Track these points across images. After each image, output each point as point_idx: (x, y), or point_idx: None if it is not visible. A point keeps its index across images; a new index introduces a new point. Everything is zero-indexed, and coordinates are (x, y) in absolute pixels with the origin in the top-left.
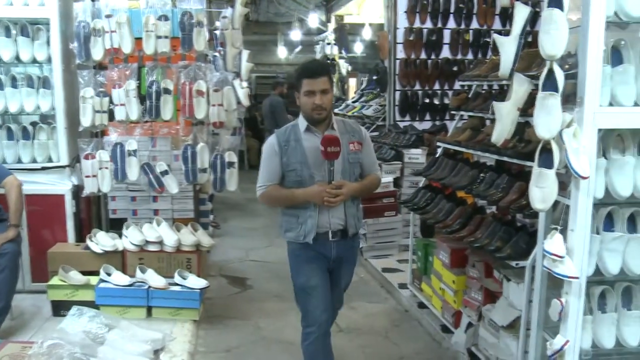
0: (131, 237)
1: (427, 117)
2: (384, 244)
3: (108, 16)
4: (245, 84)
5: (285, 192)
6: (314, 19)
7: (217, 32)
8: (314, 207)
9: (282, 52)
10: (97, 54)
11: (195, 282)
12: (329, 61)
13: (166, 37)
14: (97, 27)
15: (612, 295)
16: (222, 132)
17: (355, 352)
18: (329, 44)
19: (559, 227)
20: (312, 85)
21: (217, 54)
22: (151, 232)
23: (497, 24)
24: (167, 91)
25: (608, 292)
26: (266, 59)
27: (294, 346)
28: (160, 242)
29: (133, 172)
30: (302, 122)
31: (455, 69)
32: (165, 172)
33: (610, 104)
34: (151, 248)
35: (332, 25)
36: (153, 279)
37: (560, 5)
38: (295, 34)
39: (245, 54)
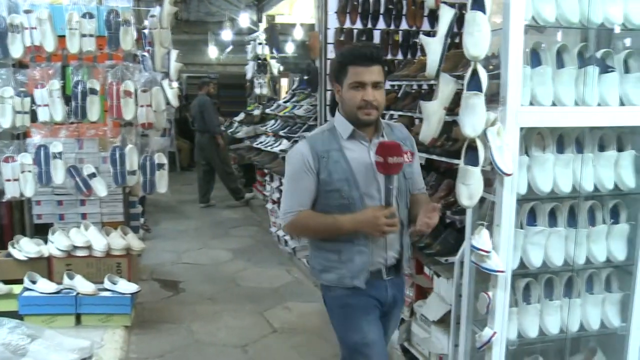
0: (57, 243)
1: None
2: None
3: (27, 11)
4: (175, 84)
5: (325, 219)
6: (245, 19)
7: (146, 31)
8: (364, 240)
9: (213, 52)
10: (15, 51)
11: (126, 286)
12: (259, 61)
13: (91, 35)
14: (15, 23)
15: (536, 286)
16: (152, 133)
17: (290, 353)
18: (260, 44)
19: (485, 223)
20: (362, 75)
21: (145, 53)
22: (79, 237)
23: (426, 25)
24: (93, 91)
25: (532, 284)
26: (197, 59)
27: (228, 348)
28: (89, 247)
29: (59, 175)
30: (342, 125)
31: (385, 69)
32: (92, 175)
33: (531, 104)
34: (79, 253)
35: (263, 25)
36: (82, 285)
37: (482, 9)
38: (226, 34)
39: (174, 53)
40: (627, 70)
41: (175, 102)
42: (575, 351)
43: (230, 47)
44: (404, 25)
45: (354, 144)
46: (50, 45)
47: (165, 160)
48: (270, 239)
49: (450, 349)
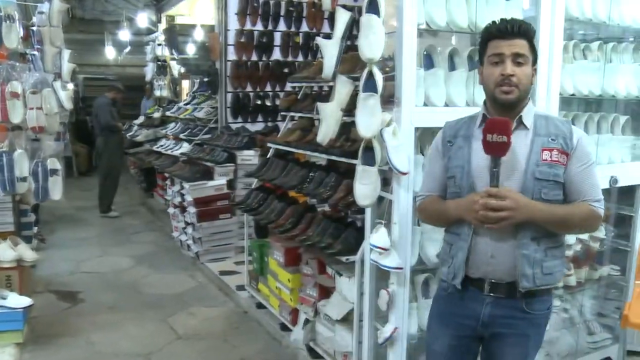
0: None
1: (259, 118)
2: (220, 246)
3: None
4: (70, 85)
5: (440, 205)
6: (143, 19)
7: (35, 29)
8: (467, 232)
9: (110, 53)
10: None
11: (17, 301)
12: (159, 62)
13: None
14: None
15: (434, 281)
16: (44, 137)
17: (195, 359)
18: (159, 44)
19: (383, 222)
20: (501, 47)
21: (35, 52)
22: None
23: (326, 28)
24: None
25: (430, 279)
26: (94, 60)
27: (131, 358)
28: None
29: None
30: (481, 111)
31: (286, 70)
32: None
33: (425, 104)
34: None
35: (162, 26)
36: None
37: (377, 12)
38: (124, 34)
39: (66, 53)
40: None
41: (68, 105)
42: None
43: (129, 48)
44: (304, 28)
45: None
46: None
47: (59, 166)
48: (172, 244)
49: (354, 347)
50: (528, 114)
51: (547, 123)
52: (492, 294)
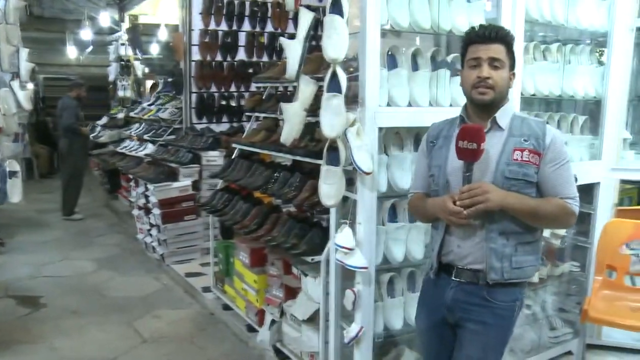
0: None
1: (224, 119)
2: (185, 248)
3: None
4: (30, 85)
5: (421, 203)
6: (105, 18)
7: None
8: (442, 226)
9: (72, 52)
10: None
11: None
12: (123, 62)
13: None
14: None
15: (399, 280)
16: (1, 138)
17: None
18: (123, 44)
19: (348, 221)
20: (478, 51)
21: None
22: None
23: (291, 28)
24: None
25: (395, 278)
26: (54, 59)
27: None
28: None
29: None
30: (461, 113)
31: (250, 71)
32: None
33: (388, 104)
34: None
35: (125, 25)
36: None
37: (340, 12)
38: (86, 33)
39: (24, 52)
40: None
41: (27, 105)
42: None
43: (91, 48)
44: (269, 28)
45: None
46: None
47: (17, 168)
48: (137, 246)
49: (320, 347)
50: (503, 115)
51: (522, 124)
52: (457, 279)
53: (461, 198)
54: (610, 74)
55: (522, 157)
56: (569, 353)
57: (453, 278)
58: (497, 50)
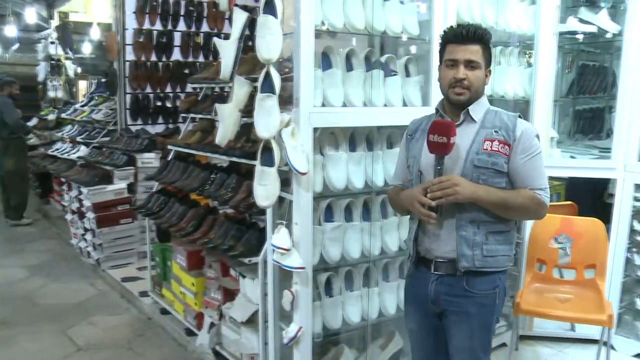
0: None
1: (160, 120)
2: (122, 252)
3: None
4: None
5: (397, 195)
6: (31, 14)
7: None
8: (417, 217)
9: None
10: None
11: None
12: (53, 62)
13: None
14: None
15: (337, 279)
16: None
17: None
18: (52, 42)
19: (284, 222)
20: (456, 52)
21: None
22: None
23: (227, 28)
24: None
25: (333, 277)
26: None
27: None
28: None
29: None
30: (438, 107)
31: (186, 71)
32: None
33: (323, 105)
34: None
35: (55, 23)
36: None
37: (273, 13)
38: (10, 30)
39: None
40: (407, 74)
41: None
42: (377, 336)
43: (17, 45)
44: (205, 28)
45: None
46: None
47: None
48: (71, 251)
49: (260, 348)
50: (476, 109)
51: (495, 117)
52: (436, 272)
53: (432, 190)
54: (536, 75)
55: (491, 147)
56: (504, 345)
57: (432, 272)
58: (473, 50)
